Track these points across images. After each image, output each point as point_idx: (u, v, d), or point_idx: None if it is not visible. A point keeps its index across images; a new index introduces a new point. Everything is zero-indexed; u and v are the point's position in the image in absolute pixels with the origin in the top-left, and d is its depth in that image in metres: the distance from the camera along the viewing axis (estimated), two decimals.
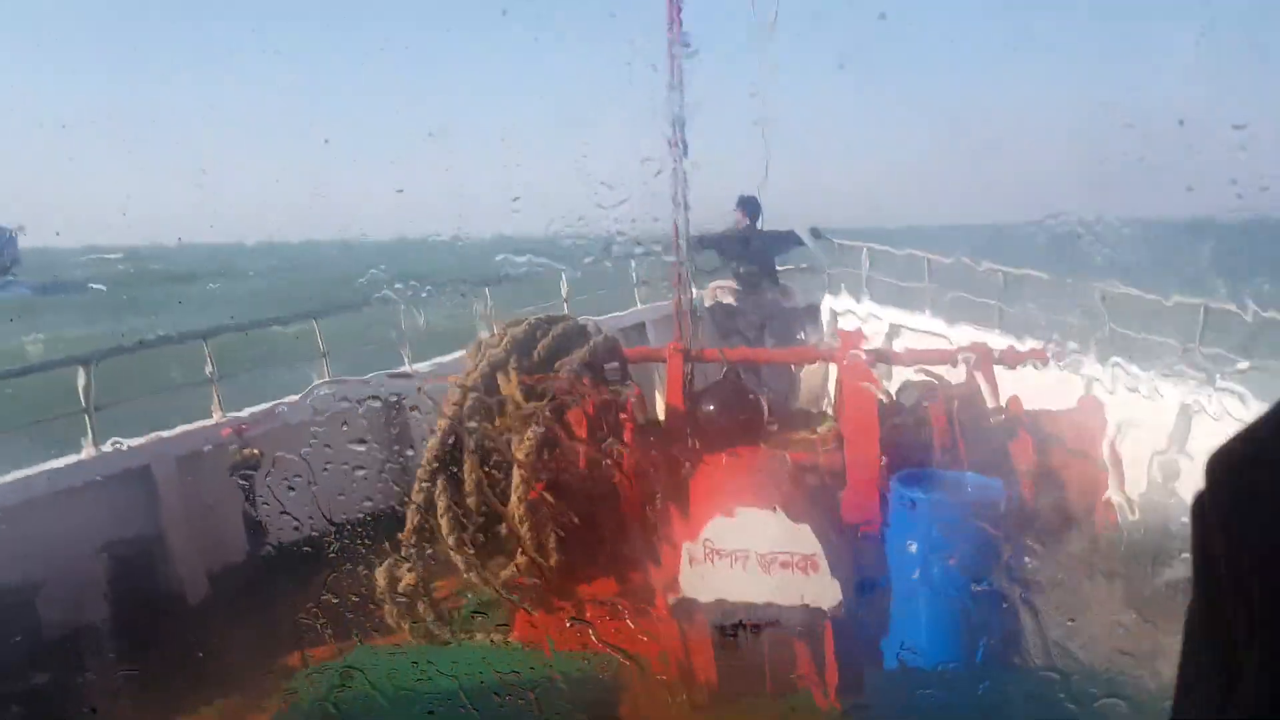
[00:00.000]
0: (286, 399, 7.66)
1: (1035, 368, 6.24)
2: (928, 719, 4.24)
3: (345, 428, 7.26)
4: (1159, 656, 4.53)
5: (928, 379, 6.37)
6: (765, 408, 6.60)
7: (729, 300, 9.56)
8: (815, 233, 10.40)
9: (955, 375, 6.40)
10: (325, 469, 6.85)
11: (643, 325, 10.80)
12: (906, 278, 10.52)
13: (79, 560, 6.19)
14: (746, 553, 4.74)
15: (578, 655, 4.61)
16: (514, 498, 5.26)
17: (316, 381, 8.10)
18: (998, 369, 6.28)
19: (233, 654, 5.40)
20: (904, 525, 4.87)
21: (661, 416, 6.40)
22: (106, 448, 6.67)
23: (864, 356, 6.02)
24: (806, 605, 4.62)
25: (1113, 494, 5.43)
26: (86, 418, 6.60)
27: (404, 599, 5.53)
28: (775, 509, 4.74)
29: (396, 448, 7.81)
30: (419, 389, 6.85)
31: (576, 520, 5.34)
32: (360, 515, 6.36)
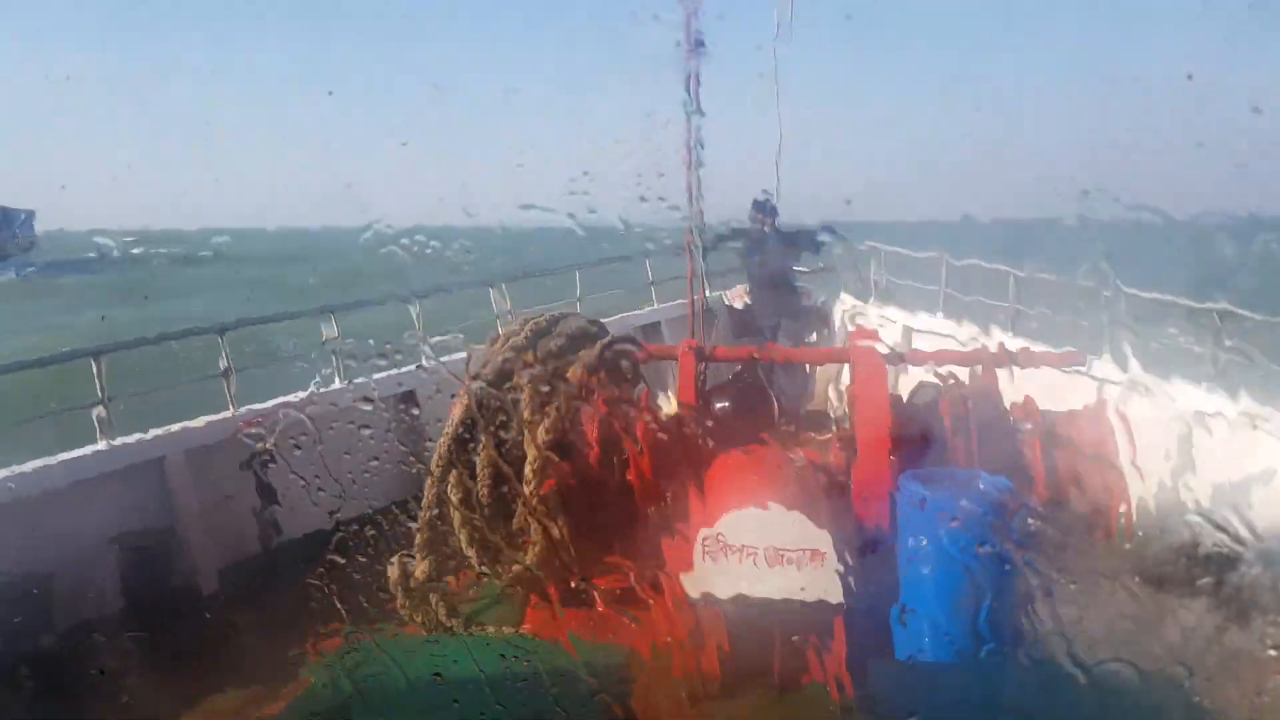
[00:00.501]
0: (299, 393, 7.71)
1: (1065, 371, 6.23)
2: (937, 713, 4.24)
3: (358, 422, 7.31)
4: (1166, 657, 4.53)
5: (943, 379, 6.37)
6: (777, 407, 6.62)
7: (745, 301, 9.61)
8: (830, 230, 10.39)
9: (965, 376, 6.40)
10: (338, 463, 6.90)
11: (658, 324, 10.83)
12: (921, 278, 10.50)
13: (92, 552, 6.24)
14: (756, 548, 4.76)
15: (590, 646, 4.64)
16: (527, 490, 5.30)
17: (325, 378, 8.16)
18: (1012, 370, 6.29)
19: (246, 644, 5.44)
20: (913, 523, 4.87)
21: (674, 414, 6.42)
22: (118, 441, 6.72)
23: (879, 355, 6.03)
24: (815, 600, 4.64)
25: (1126, 495, 5.43)
26: (98, 410, 6.64)
27: (416, 591, 5.56)
28: (785, 505, 4.77)
29: (410, 441, 7.86)
30: (445, 369, 6.79)
31: (589, 513, 5.38)
32: (373, 508, 6.40)
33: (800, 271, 10.37)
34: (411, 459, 7.42)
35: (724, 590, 4.64)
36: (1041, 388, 6.20)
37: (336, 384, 8.09)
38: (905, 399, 6.57)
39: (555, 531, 5.16)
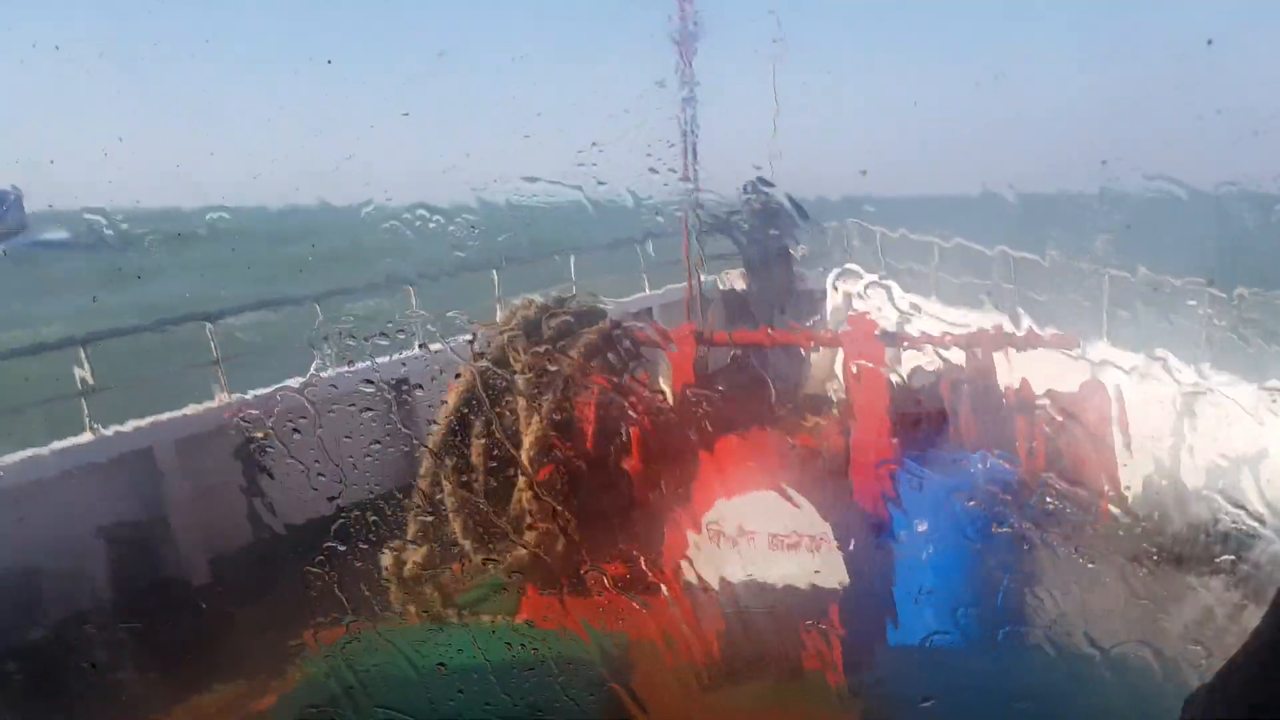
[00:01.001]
0: (292, 380, 7.62)
1: (1061, 353, 6.20)
2: (935, 695, 4.22)
3: (358, 406, 7.23)
4: (1159, 633, 4.53)
5: (939, 362, 6.33)
6: (774, 391, 6.58)
7: (741, 285, 9.54)
8: (814, 220, 10.32)
9: (963, 358, 6.36)
10: (332, 452, 6.83)
11: (650, 310, 10.77)
12: (915, 259, 10.44)
13: (81, 544, 6.16)
14: (755, 533, 4.74)
15: (589, 632, 4.60)
16: (523, 479, 5.25)
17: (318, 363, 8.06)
18: (1007, 352, 6.25)
19: (241, 635, 5.38)
20: (913, 505, 4.85)
21: (671, 399, 6.37)
22: (107, 431, 6.63)
23: (877, 339, 5.99)
24: (814, 585, 4.62)
25: (1118, 475, 5.42)
26: (84, 401, 6.55)
27: (411, 581, 5.51)
28: (785, 490, 4.74)
29: (409, 426, 7.78)
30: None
31: (586, 500, 5.33)
32: (368, 497, 6.33)
33: (794, 254, 10.30)
34: (412, 444, 7.34)
35: (724, 575, 4.61)
36: (1039, 370, 6.16)
37: (329, 370, 7.99)
38: (904, 382, 6.54)
39: (555, 517, 5.11)
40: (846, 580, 4.54)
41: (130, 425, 6.73)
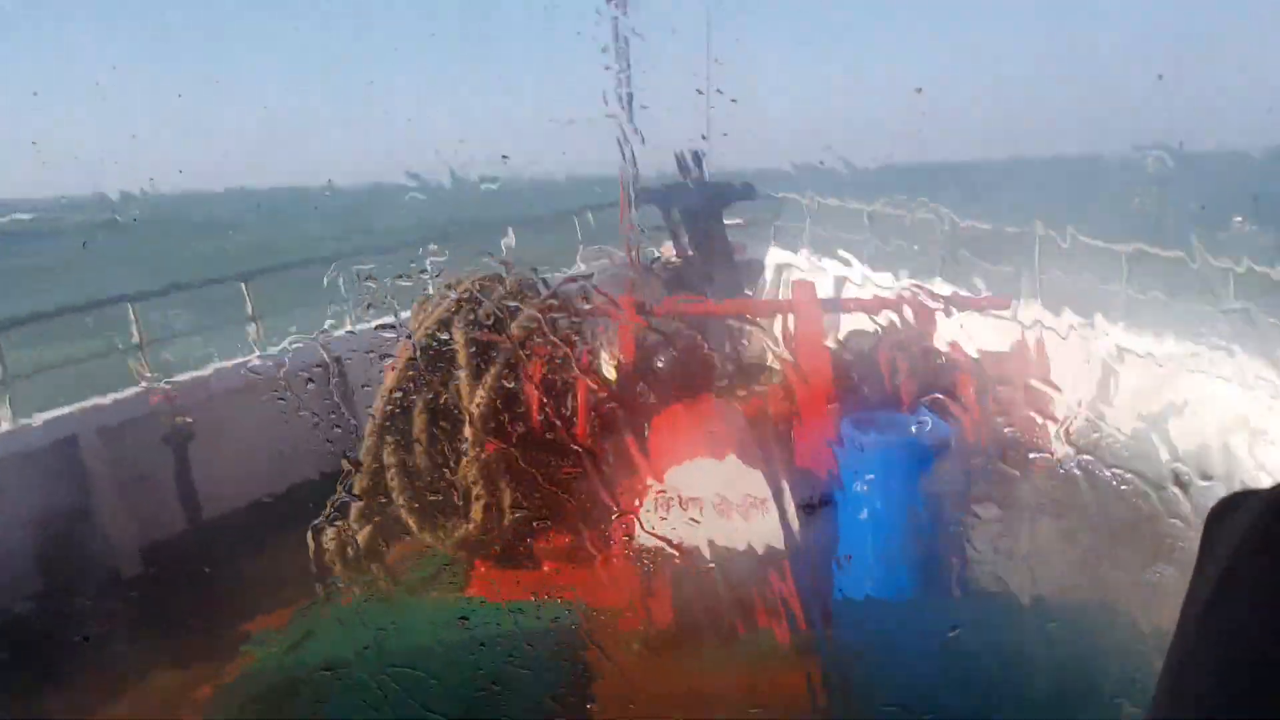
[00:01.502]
0: (219, 364, 7.40)
1: (992, 315, 6.34)
2: (881, 651, 4.32)
3: (284, 390, 7.02)
4: (1095, 585, 4.69)
5: (875, 326, 6.44)
6: (716, 359, 6.61)
7: (678, 257, 9.54)
8: (749, 191, 10.39)
9: (901, 322, 6.47)
10: (266, 434, 6.64)
11: (589, 281, 10.68)
12: (847, 229, 10.58)
13: (3, 537, 5.91)
14: (702, 499, 4.76)
15: (537, 606, 4.58)
16: (468, 454, 5.18)
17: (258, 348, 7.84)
18: (938, 316, 6.38)
19: (179, 625, 5.22)
20: (855, 466, 4.93)
21: (616, 370, 6.35)
22: (29, 420, 6.37)
23: (817, 305, 6.06)
24: (762, 548, 4.67)
25: (1050, 432, 5.57)
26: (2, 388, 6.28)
27: (354, 560, 5.41)
28: (730, 457, 4.78)
29: (340, 409, 7.62)
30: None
31: (531, 474, 5.29)
32: (305, 479, 6.19)
33: (730, 225, 10.35)
34: (344, 427, 7.20)
35: (674, 541, 4.63)
36: (973, 332, 6.30)
37: (256, 353, 7.78)
38: (841, 346, 6.63)
39: (502, 491, 5.06)
40: (795, 541, 4.60)
41: (53, 414, 6.47)
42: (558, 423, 5.31)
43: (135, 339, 7.08)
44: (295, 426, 6.68)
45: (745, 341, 8.99)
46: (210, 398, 7.14)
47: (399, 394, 5.38)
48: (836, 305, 6.99)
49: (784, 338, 6.51)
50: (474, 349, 5.36)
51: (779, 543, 4.70)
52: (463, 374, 5.22)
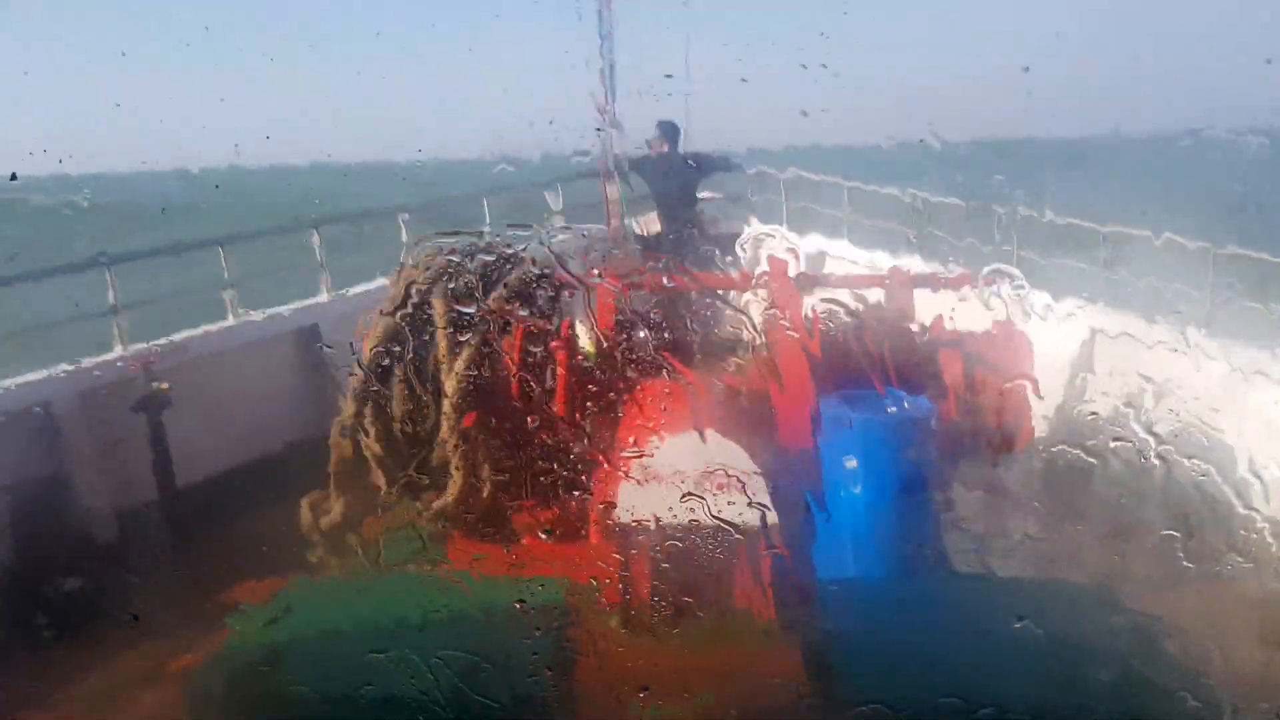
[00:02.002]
0: (197, 330, 7.31)
1: (963, 293, 6.38)
2: (862, 631, 4.37)
3: (261, 357, 6.98)
4: (1076, 558, 4.79)
5: (857, 302, 6.46)
6: (693, 333, 6.61)
7: (655, 229, 9.50)
8: (728, 164, 10.35)
9: (872, 298, 6.51)
10: (243, 402, 6.60)
11: (564, 254, 10.64)
12: (826, 204, 10.59)
13: None
14: (682, 475, 4.78)
15: (515, 581, 4.59)
16: (445, 426, 5.17)
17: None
18: (918, 293, 6.42)
19: (156, 595, 5.19)
20: (838, 443, 4.97)
21: (596, 342, 6.34)
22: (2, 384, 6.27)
23: (794, 280, 6.07)
24: (741, 524, 4.70)
25: (1031, 409, 5.64)
26: None
27: (332, 533, 5.40)
28: (709, 432, 4.79)
29: (318, 379, 7.57)
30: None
31: (509, 448, 5.29)
32: (282, 449, 6.16)
33: (706, 198, 10.31)
34: (322, 397, 7.15)
35: (654, 517, 4.65)
36: (946, 311, 6.34)
37: (230, 319, 7.69)
38: (818, 322, 6.65)
39: (481, 464, 5.06)
40: (773, 518, 4.63)
41: (27, 377, 6.38)
42: (538, 394, 5.31)
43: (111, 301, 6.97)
44: (273, 395, 6.65)
45: (720, 316, 9.01)
46: (188, 363, 7.05)
47: (379, 364, 5.35)
48: (817, 280, 7.01)
49: (759, 313, 6.53)
50: (453, 318, 5.33)
51: (758, 520, 4.73)
52: (442, 345, 5.19)
